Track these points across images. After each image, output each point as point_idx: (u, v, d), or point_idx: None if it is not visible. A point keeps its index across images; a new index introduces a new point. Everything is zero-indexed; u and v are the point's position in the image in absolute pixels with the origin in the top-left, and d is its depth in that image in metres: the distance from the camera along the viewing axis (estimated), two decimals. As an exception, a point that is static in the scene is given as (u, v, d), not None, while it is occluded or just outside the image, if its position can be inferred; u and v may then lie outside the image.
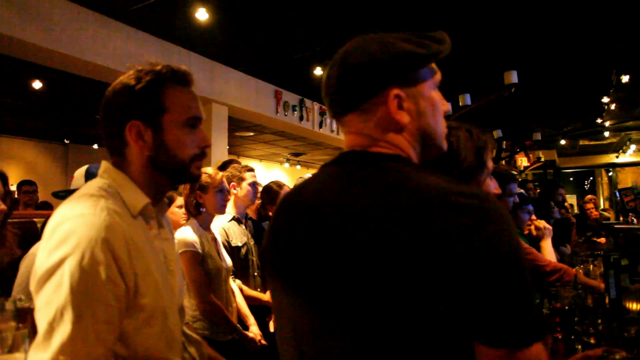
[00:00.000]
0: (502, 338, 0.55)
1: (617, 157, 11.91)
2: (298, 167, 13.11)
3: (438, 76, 0.76)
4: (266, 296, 2.45)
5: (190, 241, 1.99)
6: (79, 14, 3.98)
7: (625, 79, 5.94)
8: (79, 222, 0.80)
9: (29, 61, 4.07)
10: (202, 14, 4.09)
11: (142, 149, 0.93)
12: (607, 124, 8.43)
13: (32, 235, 2.68)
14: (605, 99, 6.87)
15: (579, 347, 1.58)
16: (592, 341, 1.61)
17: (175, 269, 1.01)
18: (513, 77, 3.92)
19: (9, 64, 4.47)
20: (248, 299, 2.36)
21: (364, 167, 0.69)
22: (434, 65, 0.75)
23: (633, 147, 10.96)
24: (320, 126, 7.53)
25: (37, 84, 5.47)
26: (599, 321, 1.67)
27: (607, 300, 1.75)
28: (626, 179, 11.93)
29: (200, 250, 2.01)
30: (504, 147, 7.73)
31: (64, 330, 0.74)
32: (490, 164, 1.14)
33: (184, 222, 2.26)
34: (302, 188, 0.77)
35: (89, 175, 1.57)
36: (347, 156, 0.73)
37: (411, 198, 0.59)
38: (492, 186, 1.20)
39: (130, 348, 0.84)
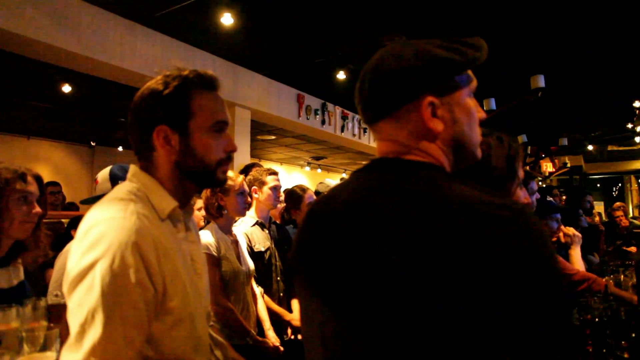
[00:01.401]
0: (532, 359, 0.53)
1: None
2: (319, 170, 13.11)
3: (474, 83, 0.74)
4: (289, 315, 2.42)
5: (205, 244, 2.00)
6: (106, 19, 4.08)
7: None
8: (110, 225, 0.82)
9: (58, 65, 4.19)
10: (227, 19, 4.14)
11: (169, 154, 0.94)
12: (637, 129, 8.16)
13: (60, 235, 2.75)
14: (637, 103, 6.66)
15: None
16: (625, 356, 1.55)
17: (202, 271, 1.02)
18: (540, 81, 3.83)
19: (40, 68, 4.62)
20: (271, 313, 2.35)
21: (397, 175, 0.68)
22: (469, 72, 0.74)
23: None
24: (342, 130, 7.52)
25: (66, 88, 5.63)
26: (633, 335, 1.61)
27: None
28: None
29: (215, 253, 2.02)
30: (529, 152, 7.56)
31: (95, 332, 0.75)
32: (521, 173, 1.11)
33: (203, 223, 2.28)
34: (333, 195, 0.76)
35: (114, 177, 1.59)
36: (380, 163, 0.72)
37: (445, 209, 0.58)
38: (522, 195, 1.17)
39: (158, 351, 0.85)
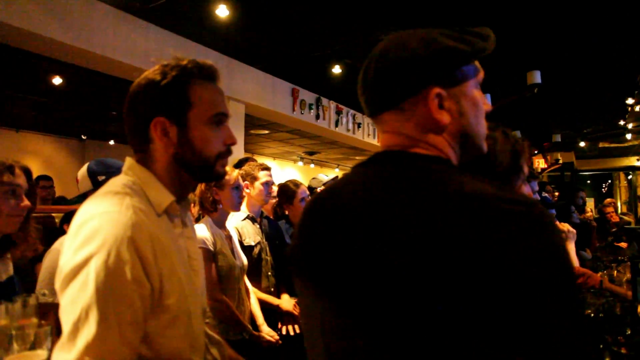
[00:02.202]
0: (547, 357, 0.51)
1: (638, 159, 11.65)
2: (312, 165, 13.10)
3: (481, 74, 0.72)
4: (277, 300, 2.42)
5: (201, 238, 1.98)
6: (99, 10, 4.01)
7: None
8: (105, 220, 0.79)
9: (49, 57, 4.11)
10: (222, 11, 4.08)
11: (166, 146, 0.90)
12: (629, 126, 8.24)
13: (50, 230, 2.70)
14: (630, 101, 6.72)
15: (608, 357, 1.53)
16: (622, 351, 1.56)
17: (199, 268, 0.99)
18: (536, 77, 3.83)
19: (30, 59, 4.53)
20: (260, 303, 2.34)
21: (404, 168, 0.66)
22: (477, 62, 0.72)
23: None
24: (336, 125, 7.50)
25: (56, 80, 5.54)
26: (629, 330, 1.62)
27: (638, 309, 1.70)
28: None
29: (211, 248, 2.01)
30: (522, 148, 7.58)
31: (89, 330, 0.73)
32: (525, 169, 1.10)
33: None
34: (335, 190, 0.74)
35: (92, 173, 1.56)
36: (385, 156, 0.70)
37: (457, 203, 0.56)
38: (526, 191, 1.16)
39: (153, 349, 0.83)
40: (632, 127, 8.22)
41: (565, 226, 2.39)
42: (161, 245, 0.84)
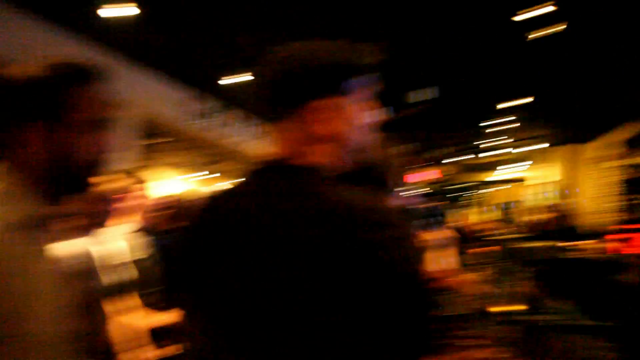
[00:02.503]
0: (396, 347, 0.61)
1: (494, 175, 13.41)
2: (212, 175, 12.69)
3: (370, 87, 0.75)
4: (160, 316, 2.30)
5: (71, 254, 1.80)
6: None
7: (502, 105, 7.13)
8: None
9: None
10: (123, 11, 3.90)
11: (37, 152, 0.80)
12: (487, 145, 9.59)
13: None
14: (487, 123, 7.89)
15: (458, 350, 1.70)
16: (471, 343, 1.77)
17: (63, 289, 0.90)
18: (429, 94, 4.14)
19: None
20: (144, 321, 2.24)
21: (283, 179, 0.70)
22: (367, 75, 0.74)
23: (510, 165, 12.50)
24: (236, 136, 7.41)
25: None
26: (477, 323, 1.89)
27: (487, 307, 2.04)
28: (504, 194, 13.38)
29: (82, 266, 1.83)
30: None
31: None
32: (400, 180, 1.27)
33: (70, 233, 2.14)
34: (219, 201, 0.80)
35: None
36: (268, 167, 0.73)
37: (327, 213, 0.63)
38: (395, 201, 1.29)
39: None
40: (487, 146, 9.61)
41: (445, 233, 2.75)
42: (17, 263, 0.74)
